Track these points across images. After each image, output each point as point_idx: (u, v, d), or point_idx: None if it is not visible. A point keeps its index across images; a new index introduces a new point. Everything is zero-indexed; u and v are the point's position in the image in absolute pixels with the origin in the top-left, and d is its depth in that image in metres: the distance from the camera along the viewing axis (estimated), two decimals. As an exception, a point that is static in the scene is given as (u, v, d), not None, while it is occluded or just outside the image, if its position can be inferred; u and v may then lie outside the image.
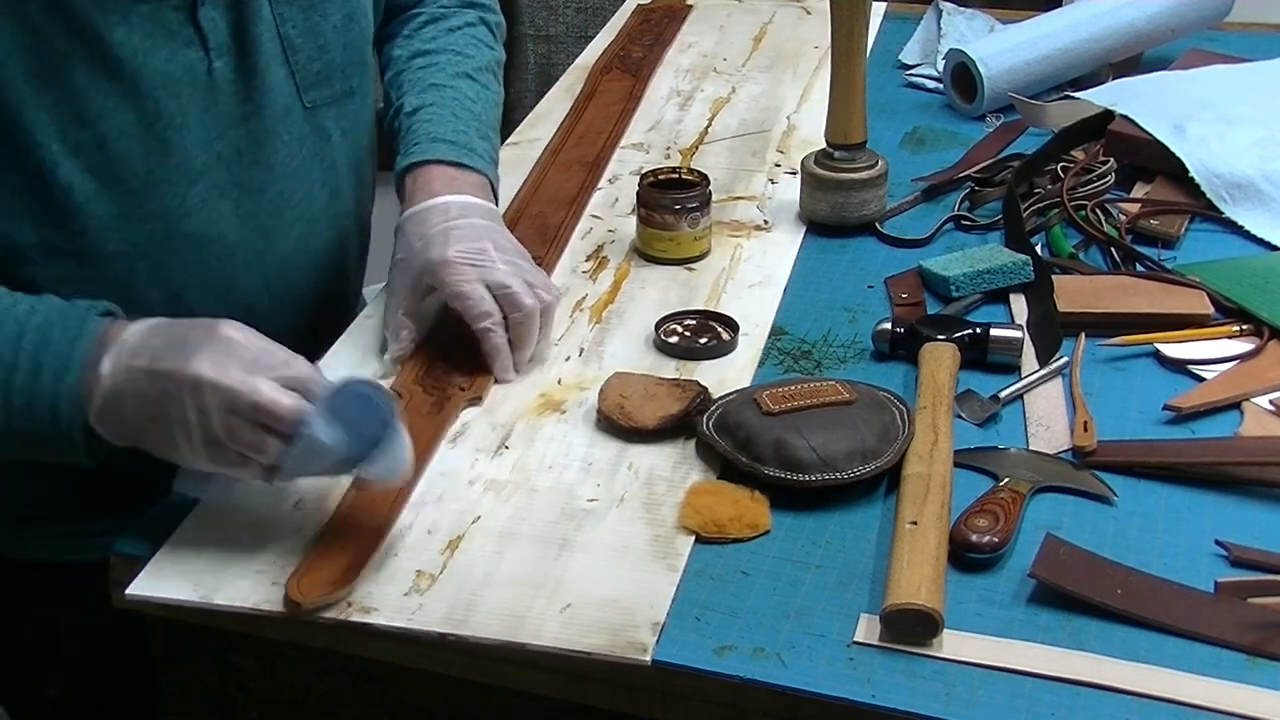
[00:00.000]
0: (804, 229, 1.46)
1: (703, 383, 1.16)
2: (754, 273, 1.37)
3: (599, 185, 1.55)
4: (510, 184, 1.53)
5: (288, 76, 1.21)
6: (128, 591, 0.97)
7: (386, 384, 1.20)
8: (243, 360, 0.95)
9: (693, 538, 1.01)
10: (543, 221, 1.46)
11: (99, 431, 0.98)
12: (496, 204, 1.32)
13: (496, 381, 1.20)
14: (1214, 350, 1.23)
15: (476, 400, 1.17)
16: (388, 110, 1.40)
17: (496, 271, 1.19)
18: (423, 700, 0.99)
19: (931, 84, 1.83)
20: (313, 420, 0.94)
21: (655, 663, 0.90)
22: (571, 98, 1.78)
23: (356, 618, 0.94)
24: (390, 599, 0.96)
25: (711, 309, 1.30)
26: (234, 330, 0.97)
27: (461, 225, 1.22)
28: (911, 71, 1.88)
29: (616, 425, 1.12)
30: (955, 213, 1.48)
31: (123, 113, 1.10)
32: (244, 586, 0.97)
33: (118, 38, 1.09)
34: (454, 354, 1.21)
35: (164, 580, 0.98)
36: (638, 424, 1.11)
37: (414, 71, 1.39)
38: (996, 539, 0.99)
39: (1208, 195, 1.46)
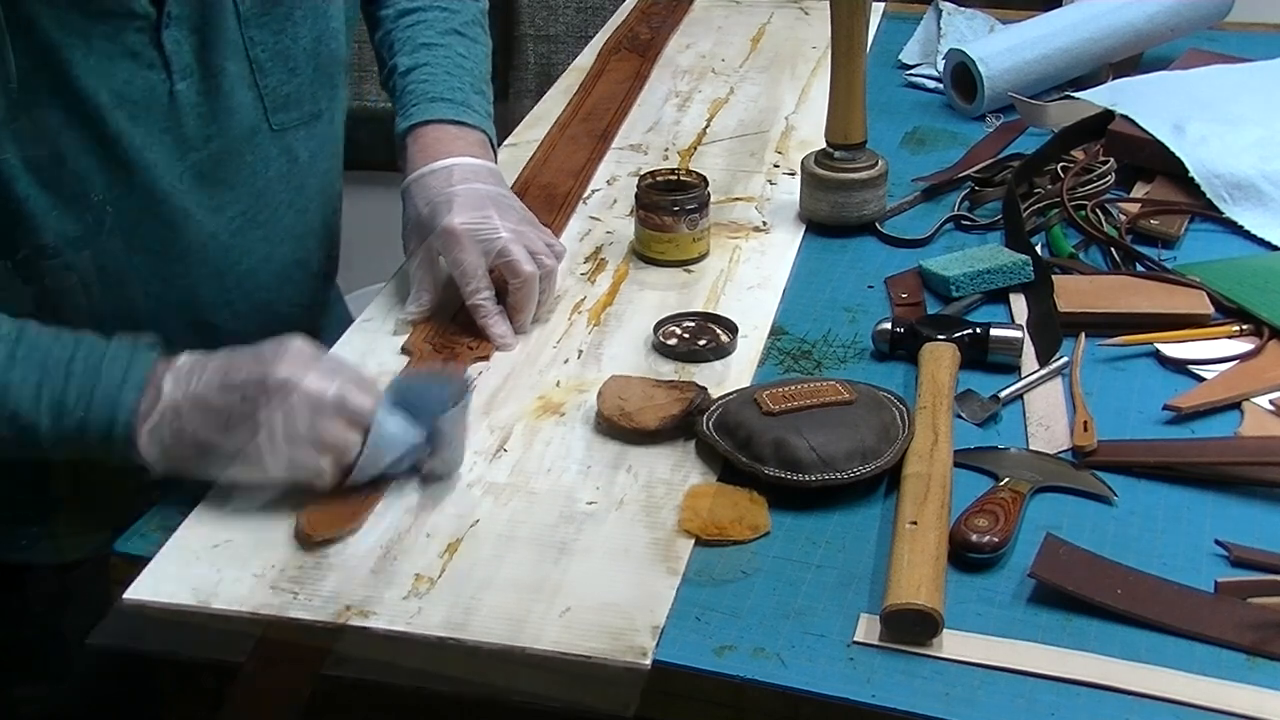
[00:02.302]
0: (802, 230, 1.45)
1: (702, 383, 1.16)
2: (753, 274, 1.37)
3: (604, 156, 1.60)
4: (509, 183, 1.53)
5: (256, 100, 1.20)
6: (126, 595, 0.97)
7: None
8: (318, 366, 1.01)
9: (692, 541, 1.01)
10: (551, 191, 1.51)
11: (143, 456, 1.00)
12: (496, 160, 1.34)
13: (496, 349, 1.24)
14: (1214, 350, 1.23)
15: (484, 358, 1.22)
16: (381, 70, 1.41)
17: (498, 240, 1.23)
18: (423, 700, 0.98)
19: (931, 84, 1.83)
20: (383, 412, 1.03)
21: (655, 663, 0.90)
22: (570, 100, 1.78)
23: (356, 621, 0.94)
24: (389, 603, 0.95)
25: (710, 311, 1.30)
26: (303, 342, 1.02)
27: (464, 191, 1.25)
28: (911, 71, 1.88)
29: (618, 428, 1.11)
30: (955, 213, 1.48)
31: (79, 131, 1.09)
32: (242, 590, 0.96)
33: (76, 58, 1.07)
34: (465, 315, 1.26)
35: (162, 583, 0.97)
36: (639, 426, 1.11)
37: (402, 30, 1.39)
38: (996, 539, 0.98)
39: (1208, 195, 1.46)
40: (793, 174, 1.54)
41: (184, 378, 1.00)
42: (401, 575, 0.98)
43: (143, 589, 0.97)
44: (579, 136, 1.65)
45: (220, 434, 0.99)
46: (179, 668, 1.03)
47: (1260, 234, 1.43)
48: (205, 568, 0.99)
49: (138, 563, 1.00)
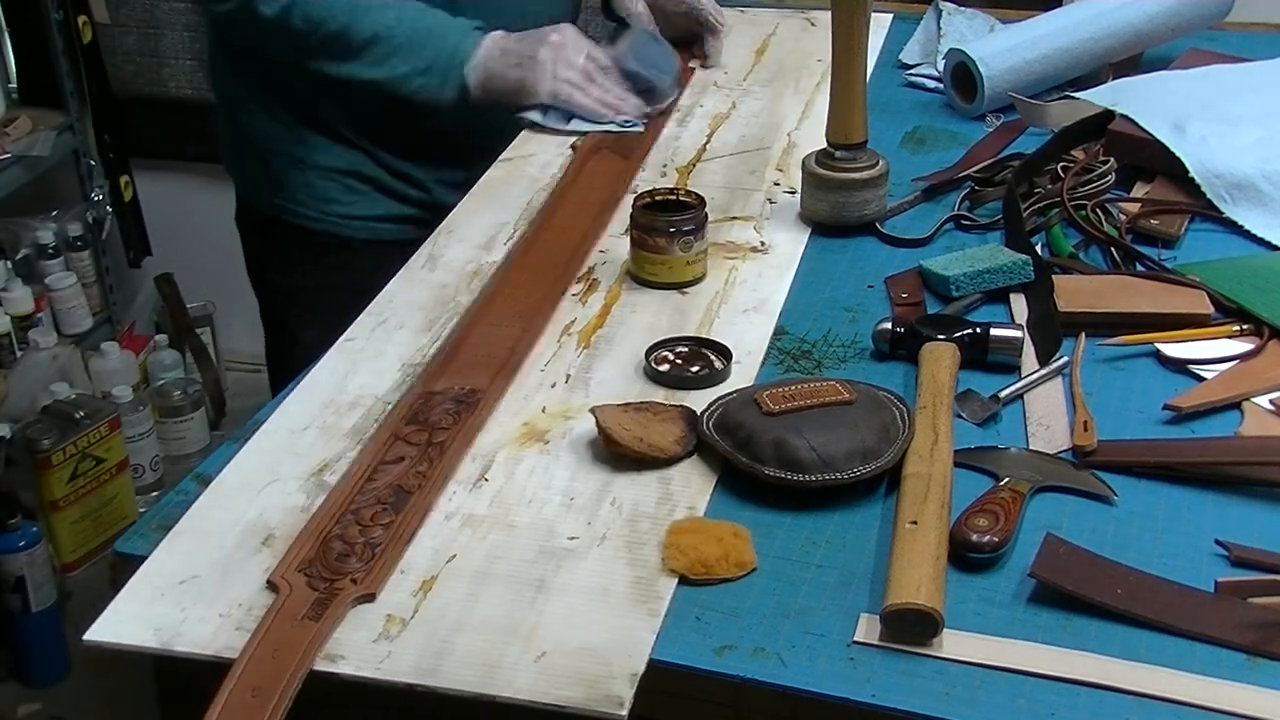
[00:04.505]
0: (800, 250, 1.43)
1: (692, 405, 1.13)
2: (749, 297, 1.34)
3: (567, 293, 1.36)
4: (497, 208, 1.52)
5: None
6: (85, 636, 0.94)
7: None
8: (578, 36, 1.68)
9: (675, 580, 0.97)
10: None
11: (470, 85, 1.64)
12: None
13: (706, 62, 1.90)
14: (1214, 350, 1.23)
15: (369, 597, 0.96)
16: None
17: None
18: (421, 699, 0.98)
19: (931, 84, 1.83)
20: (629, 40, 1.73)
21: (655, 663, 0.90)
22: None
23: (323, 666, 0.90)
24: (358, 646, 0.92)
25: (704, 335, 1.26)
26: (571, 27, 1.69)
27: None
28: (911, 71, 1.88)
29: (644, 458, 1.08)
30: (955, 212, 1.48)
31: None
32: (206, 631, 0.93)
33: None
34: (358, 520, 1.03)
35: (124, 624, 0.94)
36: (665, 452, 1.08)
37: None
38: (996, 539, 0.98)
39: (1208, 195, 1.46)
40: (793, 192, 1.52)
41: (496, 38, 1.65)
42: (373, 615, 0.94)
43: (104, 630, 0.94)
44: (535, 268, 1.41)
45: (514, 69, 1.64)
46: (176, 671, 1.02)
47: (1260, 234, 1.43)
48: (169, 606, 0.95)
49: (138, 563, 0.99)
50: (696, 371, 1.21)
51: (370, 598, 0.96)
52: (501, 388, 1.19)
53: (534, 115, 1.68)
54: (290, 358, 1.82)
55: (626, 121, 1.69)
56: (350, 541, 1.00)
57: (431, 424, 1.13)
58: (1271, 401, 1.16)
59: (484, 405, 1.16)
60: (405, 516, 1.03)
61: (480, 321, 1.29)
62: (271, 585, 0.97)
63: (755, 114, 1.77)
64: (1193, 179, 1.47)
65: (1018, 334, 1.22)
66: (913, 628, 0.91)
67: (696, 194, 1.38)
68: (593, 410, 1.11)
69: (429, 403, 1.16)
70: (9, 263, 2.95)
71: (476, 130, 1.75)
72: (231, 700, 0.87)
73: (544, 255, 1.41)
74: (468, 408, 1.16)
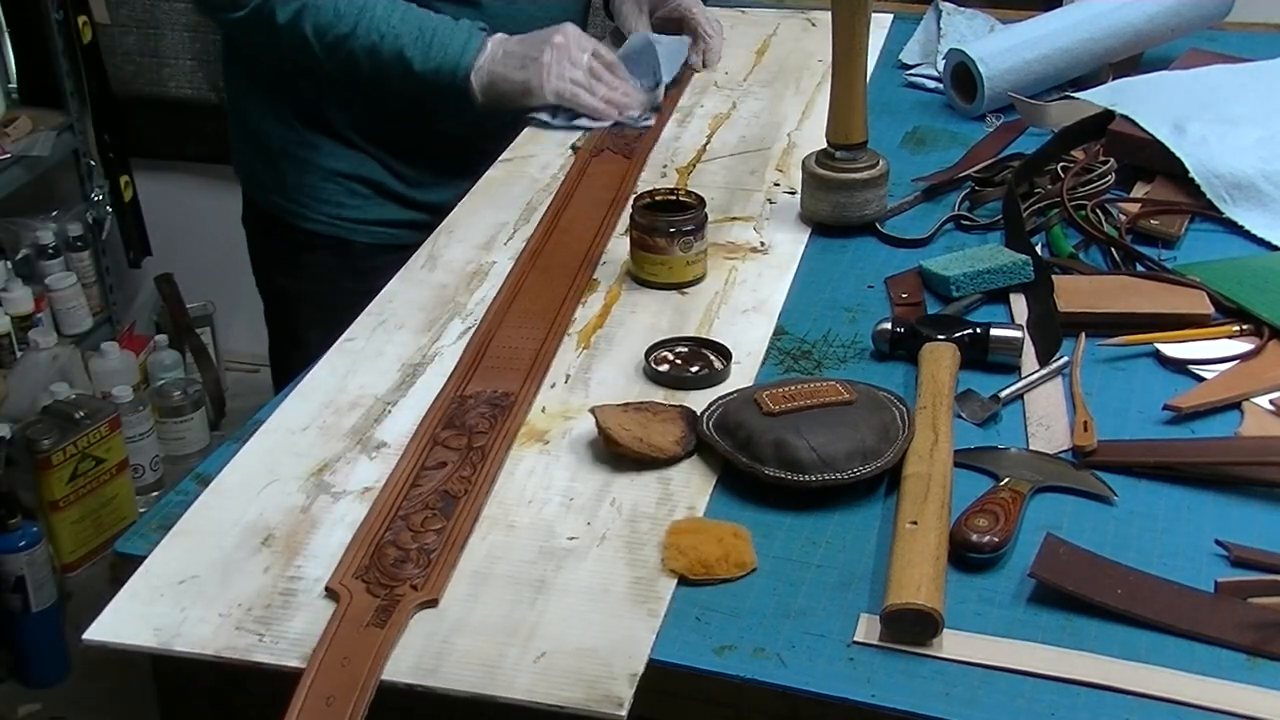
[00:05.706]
0: (800, 250, 1.43)
1: (693, 405, 1.13)
2: (748, 297, 1.34)
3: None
4: (497, 208, 1.52)
5: None
6: (85, 636, 0.94)
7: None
8: (581, 35, 1.69)
9: (674, 581, 0.97)
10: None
11: (473, 87, 1.64)
12: None
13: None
14: (1214, 350, 1.23)
15: (431, 603, 0.96)
16: None
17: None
18: (422, 701, 0.98)
19: (931, 84, 1.83)
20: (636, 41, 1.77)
21: (655, 663, 0.90)
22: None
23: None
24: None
25: (704, 336, 1.26)
26: (573, 25, 1.69)
27: None
28: (911, 71, 1.88)
29: (644, 458, 1.08)
30: (955, 213, 1.48)
31: None
32: (205, 631, 0.93)
33: None
34: (411, 524, 1.03)
35: (124, 623, 0.94)
36: (665, 452, 1.08)
37: None
38: (996, 539, 0.98)
39: (1208, 195, 1.46)
40: (793, 193, 1.52)
41: (499, 40, 1.65)
42: None
43: (103, 630, 0.94)
44: (551, 268, 1.42)
45: (518, 70, 1.65)
46: (177, 672, 1.02)
47: (1260, 234, 1.43)
48: (169, 606, 0.95)
49: (138, 563, 0.99)
50: (696, 372, 1.21)
51: (433, 603, 0.95)
52: (531, 391, 1.19)
53: (543, 116, 1.70)
54: (292, 358, 1.85)
55: (635, 118, 1.70)
56: (404, 547, 1.00)
57: (469, 428, 1.13)
58: (1271, 401, 1.16)
59: (518, 409, 1.16)
60: (456, 521, 1.03)
61: (503, 324, 1.29)
62: (330, 592, 0.96)
63: (755, 114, 1.77)
64: (1193, 179, 1.47)
65: (1018, 334, 1.22)
66: (913, 628, 0.91)
67: (696, 194, 1.38)
68: (592, 410, 1.11)
69: (463, 406, 1.16)
70: (9, 263, 2.95)
71: (482, 134, 1.75)
72: (308, 706, 0.87)
73: (558, 257, 1.41)
74: (502, 411, 1.16)
